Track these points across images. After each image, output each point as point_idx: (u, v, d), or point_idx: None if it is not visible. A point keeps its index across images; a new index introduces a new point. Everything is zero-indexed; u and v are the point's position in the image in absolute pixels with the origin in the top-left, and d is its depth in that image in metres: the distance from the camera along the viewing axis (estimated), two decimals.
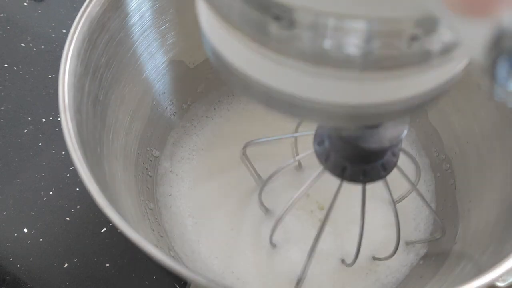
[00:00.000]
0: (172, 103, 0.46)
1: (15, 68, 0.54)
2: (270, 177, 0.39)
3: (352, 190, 0.44)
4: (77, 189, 0.46)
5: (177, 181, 0.45)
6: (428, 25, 0.14)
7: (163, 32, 0.41)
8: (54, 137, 0.49)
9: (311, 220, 0.42)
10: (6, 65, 0.54)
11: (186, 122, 0.48)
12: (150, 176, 0.43)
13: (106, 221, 0.43)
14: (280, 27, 0.15)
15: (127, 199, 0.35)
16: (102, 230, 0.44)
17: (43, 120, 0.50)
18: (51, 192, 0.46)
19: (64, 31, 0.56)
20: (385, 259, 0.40)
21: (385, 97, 0.17)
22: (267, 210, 0.42)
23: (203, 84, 0.49)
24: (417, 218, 0.43)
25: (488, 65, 0.11)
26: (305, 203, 0.43)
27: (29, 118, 0.50)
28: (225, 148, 0.46)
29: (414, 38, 0.14)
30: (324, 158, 0.28)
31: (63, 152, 0.48)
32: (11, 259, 0.42)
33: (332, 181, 0.45)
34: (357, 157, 0.27)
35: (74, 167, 0.27)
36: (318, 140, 0.28)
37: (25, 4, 0.59)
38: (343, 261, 0.41)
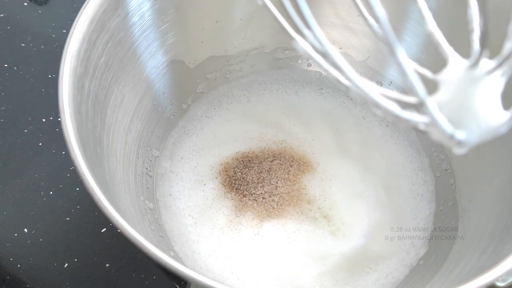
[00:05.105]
0: (172, 103, 0.46)
1: (15, 68, 0.54)
2: None
3: (353, 189, 0.45)
4: (77, 189, 0.46)
5: (177, 181, 0.45)
6: None
7: (163, 32, 0.41)
8: (54, 137, 0.49)
9: (312, 223, 0.42)
10: (6, 65, 0.54)
11: (186, 122, 0.48)
12: (150, 176, 0.43)
13: (106, 221, 0.43)
14: None
15: (127, 199, 0.35)
16: (102, 230, 0.44)
17: (43, 120, 0.50)
18: (51, 192, 0.46)
19: (64, 31, 0.56)
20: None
21: None
22: None
23: (203, 84, 0.49)
24: (417, 217, 0.43)
25: None
26: (307, 210, 0.43)
27: (29, 118, 0.50)
28: (225, 148, 0.46)
29: None
30: None
31: (63, 152, 0.48)
32: (11, 259, 0.42)
33: (332, 185, 0.45)
34: None
35: (74, 167, 0.27)
36: None
37: (25, 4, 0.59)
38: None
